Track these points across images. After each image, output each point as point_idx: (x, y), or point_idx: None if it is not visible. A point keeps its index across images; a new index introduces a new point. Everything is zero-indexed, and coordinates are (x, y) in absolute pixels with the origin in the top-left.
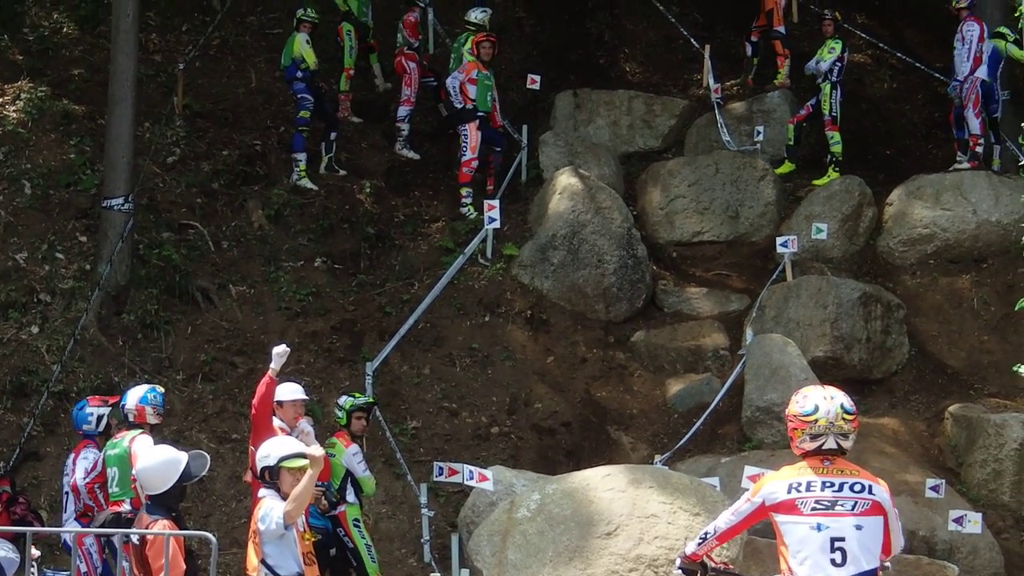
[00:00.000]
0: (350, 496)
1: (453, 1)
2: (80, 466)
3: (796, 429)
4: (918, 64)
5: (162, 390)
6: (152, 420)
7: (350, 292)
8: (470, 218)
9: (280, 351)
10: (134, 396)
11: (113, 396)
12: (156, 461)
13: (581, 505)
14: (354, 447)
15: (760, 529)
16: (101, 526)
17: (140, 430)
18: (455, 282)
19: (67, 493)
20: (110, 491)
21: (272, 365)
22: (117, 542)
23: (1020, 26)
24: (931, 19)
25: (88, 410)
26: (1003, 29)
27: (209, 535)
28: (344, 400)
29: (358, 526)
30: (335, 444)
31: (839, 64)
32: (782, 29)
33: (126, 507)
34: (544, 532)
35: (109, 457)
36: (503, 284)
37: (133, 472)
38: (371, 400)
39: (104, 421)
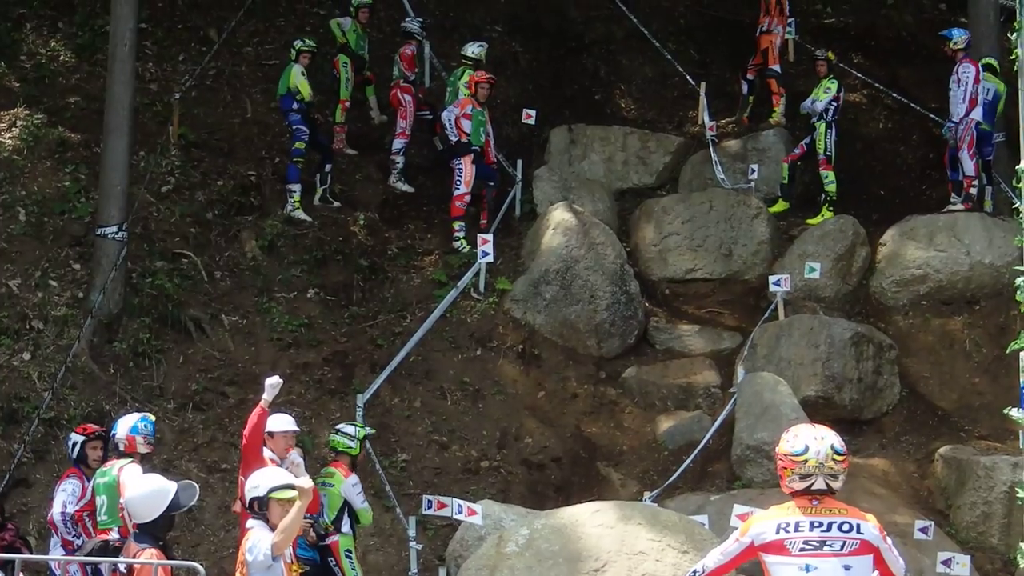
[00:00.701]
0: (345, 526)
1: (449, 35)
2: (58, 499)
3: (786, 468)
4: (913, 104)
5: (153, 419)
6: (142, 449)
7: (342, 324)
8: (463, 252)
9: (273, 382)
10: (125, 425)
11: (100, 426)
12: (144, 490)
13: (570, 541)
14: (354, 477)
15: (749, 569)
16: (89, 554)
17: (130, 459)
18: (447, 315)
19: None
20: (98, 519)
21: (264, 396)
22: (105, 571)
23: (1015, 69)
24: (926, 60)
25: (71, 436)
26: (990, 60)
27: (197, 565)
28: (355, 430)
29: (350, 557)
30: (334, 474)
31: (835, 104)
32: (778, 68)
33: (114, 535)
34: (532, 567)
35: (98, 486)
36: (495, 318)
37: (121, 501)
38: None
39: (78, 449)
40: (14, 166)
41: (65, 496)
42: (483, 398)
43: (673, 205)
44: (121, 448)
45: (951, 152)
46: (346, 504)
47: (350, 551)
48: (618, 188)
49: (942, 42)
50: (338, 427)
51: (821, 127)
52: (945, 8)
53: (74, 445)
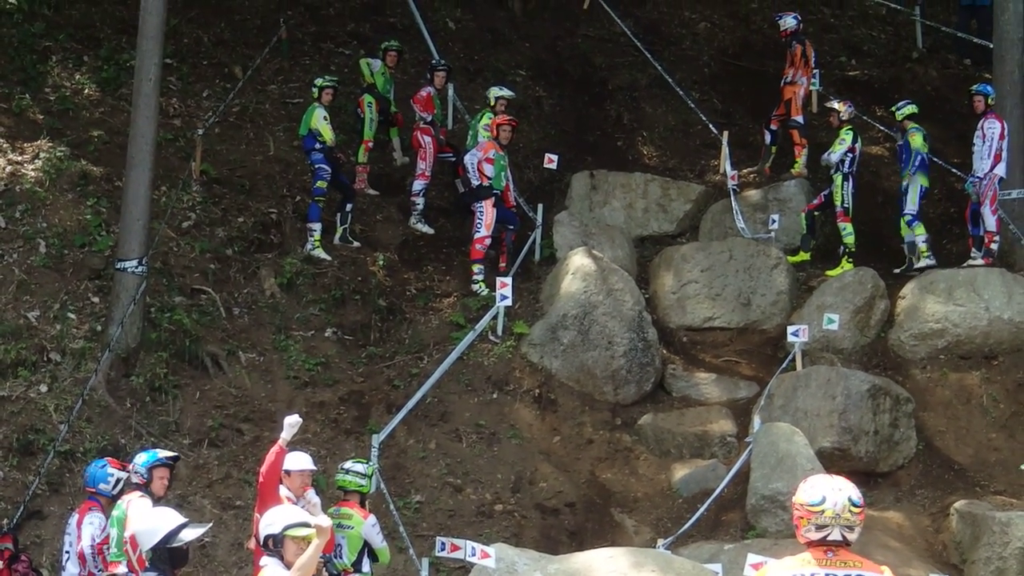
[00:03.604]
0: (365, 567)
1: (474, 78)
2: (86, 531)
3: (802, 518)
4: (935, 159)
5: (155, 455)
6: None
7: (359, 364)
8: (481, 295)
9: (292, 421)
10: (141, 458)
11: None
12: (147, 521)
13: None
14: (373, 518)
15: None
16: None
17: (140, 493)
18: (464, 358)
19: (66, 553)
20: (110, 552)
21: (283, 435)
22: None
23: None
24: (949, 115)
25: (110, 471)
26: None
27: None
28: (365, 467)
29: None
30: (352, 516)
31: (850, 155)
32: (800, 119)
33: (122, 569)
34: None
35: (112, 519)
36: (512, 362)
37: (125, 535)
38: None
39: (120, 485)
40: (36, 198)
41: (92, 529)
42: (498, 441)
43: (693, 253)
44: (135, 481)
45: (973, 207)
46: (366, 545)
47: None
48: (638, 235)
49: (966, 96)
50: (344, 466)
51: (838, 179)
52: (970, 64)
53: (118, 482)
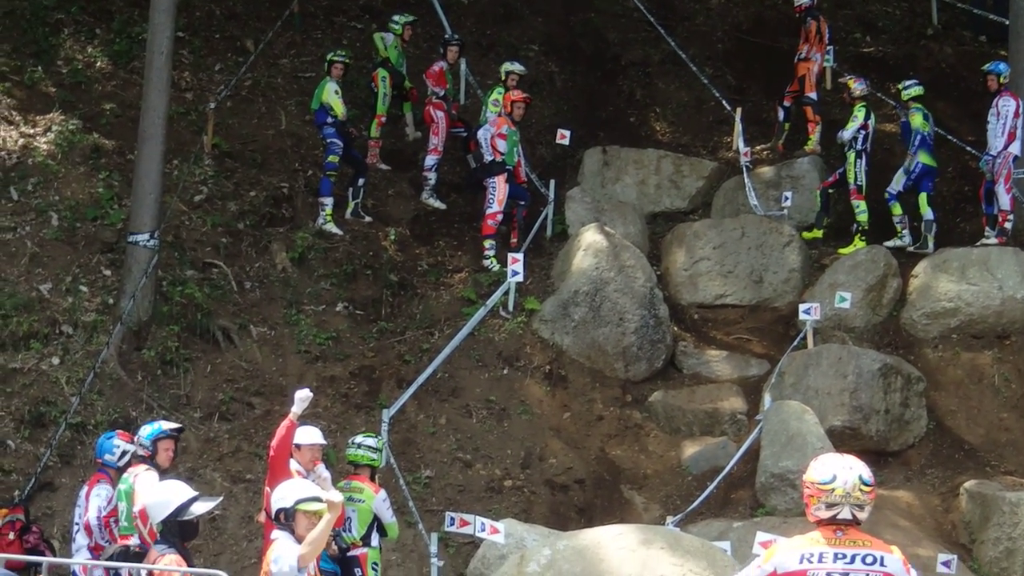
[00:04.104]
0: (374, 540)
1: (486, 54)
2: (93, 503)
3: (812, 496)
4: (949, 137)
5: (159, 427)
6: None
7: (370, 339)
8: (493, 270)
9: (303, 395)
10: (146, 431)
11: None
12: (158, 493)
13: (591, 563)
14: (383, 493)
15: None
16: (109, 559)
17: (146, 466)
18: (475, 334)
19: (76, 524)
20: (120, 525)
21: (294, 408)
22: None
23: None
24: (964, 92)
25: (116, 442)
26: None
27: (222, 573)
28: (376, 441)
29: (376, 570)
30: (363, 489)
31: (863, 132)
32: (814, 96)
33: (134, 541)
34: None
35: (120, 492)
36: (523, 338)
37: (135, 510)
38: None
39: (127, 458)
40: (48, 171)
41: (99, 501)
42: (508, 417)
43: (705, 230)
44: (140, 453)
45: (987, 185)
46: (376, 519)
47: (376, 564)
48: (650, 211)
49: (980, 75)
50: (355, 440)
51: (851, 156)
52: (985, 41)
53: (124, 453)
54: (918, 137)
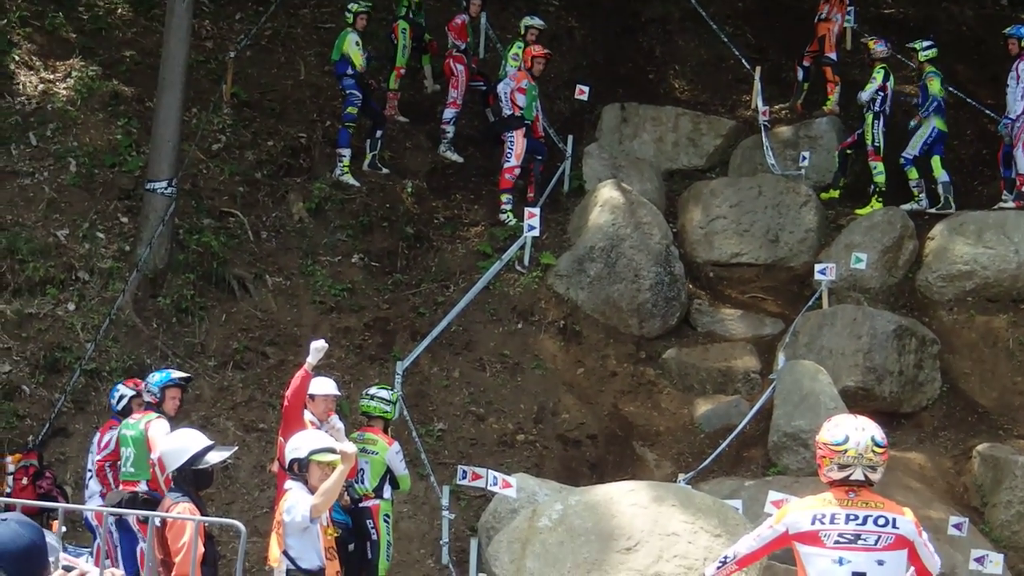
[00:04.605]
0: (386, 492)
1: (506, 7)
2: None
3: (825, 457)
4: (968, 100)
5: (168, 374)
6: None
7: (385, 291)
8: (509, 224)
9: (319, 346)
10: (154, 378)
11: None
12: (174, 441)
13: (603, 519)
14: (397, 445)
15: (780, 555)
16: (116, 505)
17: (156, 413)
18: (490, 288)
19: (89, 471)
20: (125, 471)
21: (309, 359)
22: (132, 522)
23: None
24: (984, 55)
25: (118, 387)
26: None
27: (239, 523)
28: (390, 394)
29: (387, 522)
30: (376, 441)
31: (881, 94)
32: (834, 56)
33: (142, 487)
34: (564, 543)
35: (124, 437)
36: (538, 293)
37: (151, 457)
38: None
39: (124, 402)
40: (67, 117)
41: (105, 444)
42: (522, 372)
43: (722, 188)
44: (147, 400)
45: (1005, 149)
46: (388, 471)
47: (388, 516)
48: (667, 169)
49: (1001, 38)
50: (369, 391)
51: (869, 117)
52: (1007, 4)
53: (121, 398)
54: (934, 103)
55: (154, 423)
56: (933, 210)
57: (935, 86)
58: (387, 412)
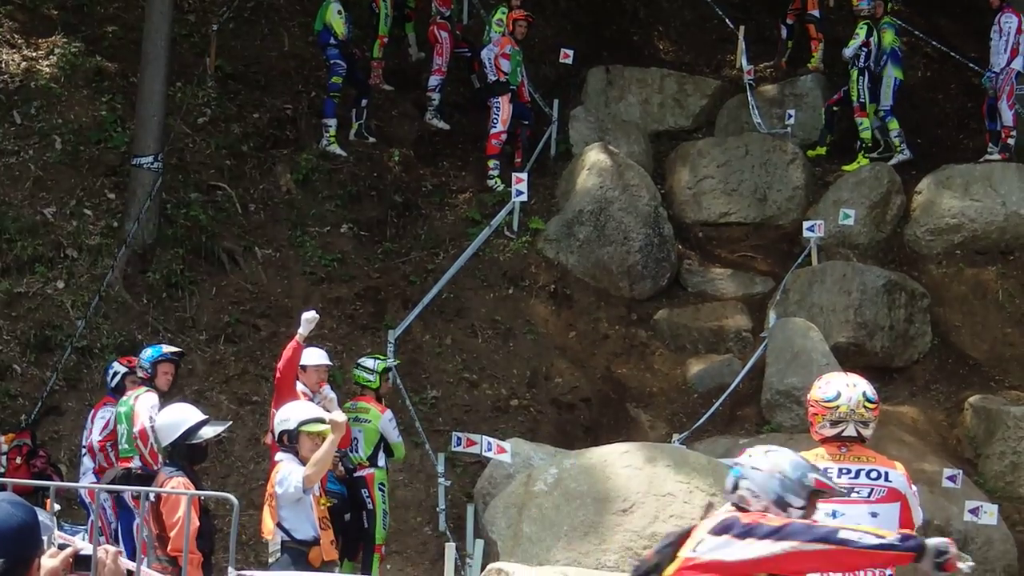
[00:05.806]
0: (380, 461)
1: None
2: (97, 426)
3: (817, 414)
4: (952, 53)
5: (161, 349)
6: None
7: (375, 260)
8: (497, 190)
9: (310, 317)
10: (146, 353)
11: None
12: (167, 415)
13: (598, 481)
14: (389, 413)
15: None
16: (111, 482)
17: (147, 388)
18: (480, 254)
19: (84, 448)
20: (120, 447)
21: (300, 330)
22: (128, 498)
23: None
24: (967, 9)
25: (112, 366)
26: None
27: (231, 496)
28: (375, 363)
29: (382, 490)
30: (369, 410)
31: (864, 49)
32: (817, 13)
33: (136, 463)
34: (560, 507)
35: (119, 415)
36: (528, 258)
37: (135, 430)
38: (396, 361)
39: (118, 379)
40: (51, 94)
41: (102, 424)
42: (514, 337)
43: (709, 149)
44: (139, 375)
45: (990, 102)
46: (382, 439)
47: (383, 484)
48: (654, 130)
49: None
50: (360, 361)
51: (853, 74)
52: None
53: (115, 375)
54: (888, 53)
55: (142, 397)
56: (875, 155)
57: (889, 36)
58: (370, 381)
